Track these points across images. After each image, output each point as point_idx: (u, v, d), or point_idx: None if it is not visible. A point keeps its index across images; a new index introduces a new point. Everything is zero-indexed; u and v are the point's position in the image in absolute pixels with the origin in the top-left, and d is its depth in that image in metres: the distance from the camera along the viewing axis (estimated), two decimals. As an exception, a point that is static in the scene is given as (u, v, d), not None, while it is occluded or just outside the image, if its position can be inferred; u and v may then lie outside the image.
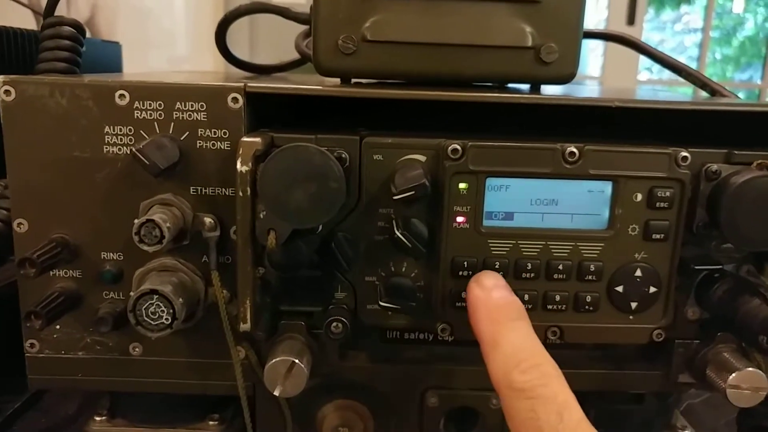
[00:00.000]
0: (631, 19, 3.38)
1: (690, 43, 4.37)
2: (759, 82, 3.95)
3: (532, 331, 0.45)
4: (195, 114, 0.51)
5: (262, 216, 0.47)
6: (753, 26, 4.35)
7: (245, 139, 0.48)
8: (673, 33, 4.40)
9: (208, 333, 0.55)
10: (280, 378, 0.51)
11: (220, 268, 0.52)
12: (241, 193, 0.47)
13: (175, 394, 0.59)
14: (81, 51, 0.66)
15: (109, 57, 1.09)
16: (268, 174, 0.46)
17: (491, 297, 0.46)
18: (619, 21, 3.33)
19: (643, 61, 3.45)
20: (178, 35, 2.62)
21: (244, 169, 0.46)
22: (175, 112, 0.51)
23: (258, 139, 0.48)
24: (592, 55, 3.62)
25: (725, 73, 4.49)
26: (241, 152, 0.47)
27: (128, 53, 1.17)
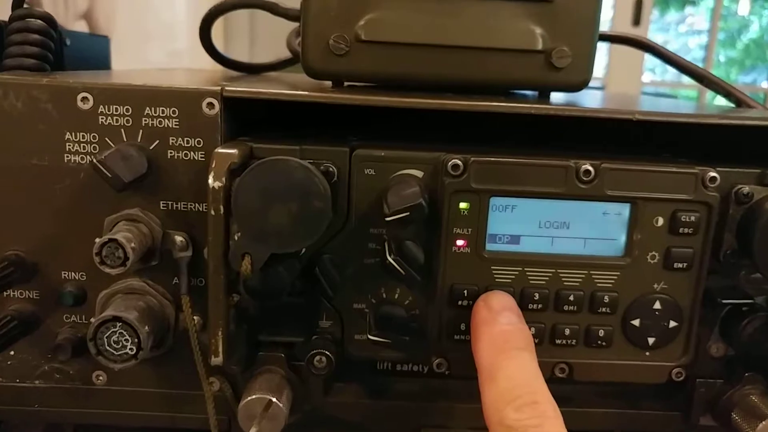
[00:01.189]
0: (636, 20, 3.33)
1: (694, 44, 4.32)
2: (763, 84, 3.89)
3: (535, 366, 0.41)
4: (166, 121, 0.46)
5: (236, 238, 0.42)
6: (758, 29, 4.30)
7: (219, 150, 0.42)
8: (677, 34, 4.35)
9: (179, 361, 0.50)
10: (255, 418, 0.45)
11: (193, 291, 0.47)
12: (213, 212, 0.41)
13: (143, 428, 0.53)
14: (52, 46, 0.60)
15: (97, 52, 1.03)
16: (243, 191, 0.40)
17: (498, 321, 0.43)
18: (624, 21, 3.28)
19: (647, 61, 3.39)
20: (178, 28, 2.55)
21: (217, 184, 0.41)
22: (144, 119, 0.46)
23: (234, 151, 0.42)
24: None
25: (729, 75, 4.43)
26: (214, 165, 0.41)
27: (126, 47, 1.12)
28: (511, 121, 0.48)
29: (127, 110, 0.45)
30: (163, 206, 0.47)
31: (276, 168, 0.40)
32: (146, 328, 0.45)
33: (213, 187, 0.41)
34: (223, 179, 0.41)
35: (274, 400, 0.45)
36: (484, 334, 0.42)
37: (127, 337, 0.44)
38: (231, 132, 0.47)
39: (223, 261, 0.42)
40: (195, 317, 0.47)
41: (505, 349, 0.41)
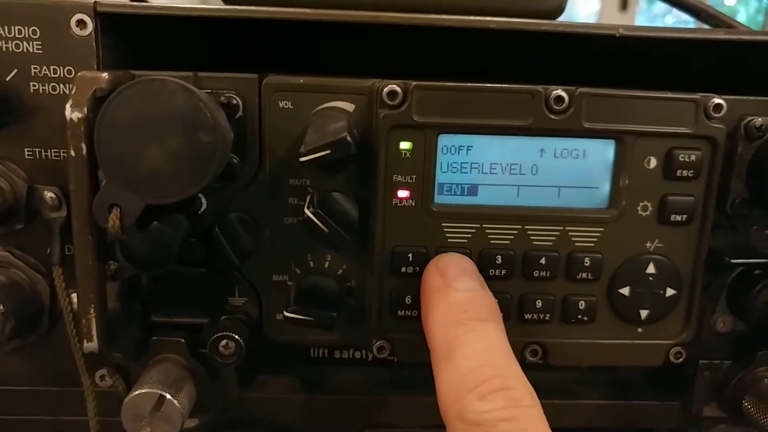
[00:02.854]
0: (623, 6, 3.28)
1: (682, 34, 4.28)
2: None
3: (504, 340, 0.33)
4: (25, 44, 0.37)
5: (102, 185, 0.32)
6: (744, 18, 4.26)
7: (83, 74, 0.32)
8: (665, 25, 4.30)
9: (59, 351, 0.40)
10: (144, 419, 0.36)
11: (68, 261, 0.37)
12: (73, 152, 0.32)
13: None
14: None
15: None
16: (108, 122, 0.31)
17: (453, 287, 0.35)
18: (612, 9, 3.22)
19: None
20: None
21: (77, 115, 0.32)
22: (-6, 41, 0.36)
23: (102, 75, 0.32)
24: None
25: (717, 65, 4.40)
26: (74, 91, 0.32)
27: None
28: (464, 51, 0.39)
29: (-29, 30, 0.36)
30: (28, 155, 0.38)
31: (149, 91, 0.31)
32: (1, 307, 0.36)
33: (71, 119, 0.32)
34: (85, 109, 0.32)
35: (167, 396, 0.36)
36: (437, 305, 0.34)
37: (-26, 319, 0.35)
38: (116, 65, 0.38)
39: (90, 217, 0.33)
40: (73, 293, 0.38)
41: (463, 320, 0.33)
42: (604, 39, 0.38)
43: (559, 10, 0.47)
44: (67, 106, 0.32)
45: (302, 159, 0.34)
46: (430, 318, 0.34)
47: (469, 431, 0.29)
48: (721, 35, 0.39)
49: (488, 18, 0.38)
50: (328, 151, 0.33)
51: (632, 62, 0.44)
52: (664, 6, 0.61)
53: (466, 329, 0.33)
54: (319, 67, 0.42)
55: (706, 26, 0.56)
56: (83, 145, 0.32)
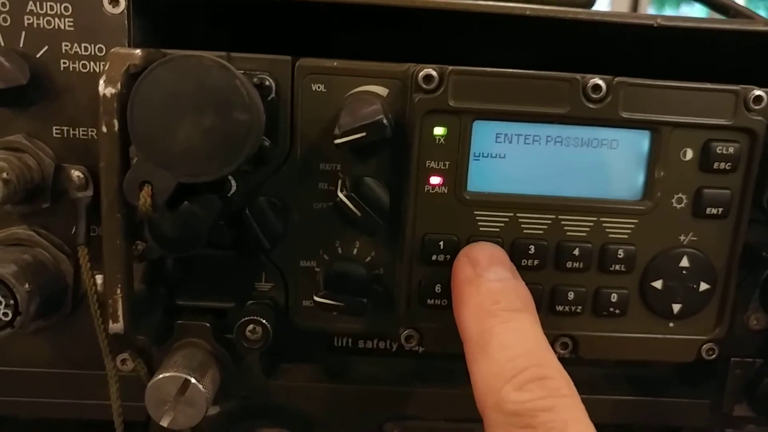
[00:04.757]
0: (634, 9, 3.28)
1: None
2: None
3: (539, 330, 0.33)
4: (56, 20, 0.36)
5: (134, 162, 0.31)
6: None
7: (116, 50, 0.32)
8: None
9: (81, 333, 0.40)
10: (168, 403, 0.35)
11: (96, 241, 0.37)
12: (105, 128, 0.31)
13: (40, 420, 0.43)
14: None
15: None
16: (142, 99, 0.30)
17: (485, 278, 0.34)
18: (622, 8, 3.22)
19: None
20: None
21: (110, 91, 0.31)
22: (26, 17, 0.36)
23: (136, 52, 0.32)
24: None
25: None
26: (107, 67, 0.31)
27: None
28: (504, 43, 0.38)
29: (3, 5, 0.35)
30: (56, 133, 0.38)
31: (184, 68, 0.30)
32: (27, 286, 0.35)
33: (104, 94, 0.31)
34: (119, 85, 0.31)
35: (192, 380, 0.35)
36: (470, 296, 0.34)
37: (0, 298, 0.34)
38: (146, 45, 0.37)
39: (119, 195, 0.32)
40: (97, 275, 0.37)
41: (496, 311, 0.33)
42: (638, 28, 0.38)
43: (591, 2, 0.46)
44: (101, 81, 0.32)
45: (337, 141, 0.33)
46: (463, 309, 0.34)
47: (507, 422, 0.29)
48: (761, 26, 0.38)
49: (524, 5, 0.37)
50: (364, 134, 0.33)
51: (641, 52, 0.43)
52: (672, 13, 0.61)
53: (499, 320, 0.32)
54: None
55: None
56: (115, 122, 0.32)
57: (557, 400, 0.28)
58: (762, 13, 0.50)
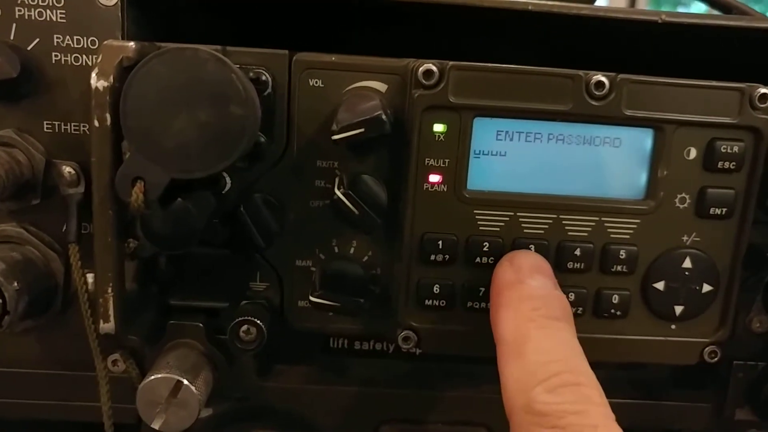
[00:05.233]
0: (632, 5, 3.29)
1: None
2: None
3: (575, 340, 0.32)
4: (48, 12, 0.35)
5: (127, 158, 0.31)
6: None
7: (109, 42, 0.31)
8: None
9: (71, 333, 0.39)
10: (160, 405, 0.34)
11: (87, 239, 0.36)
12: (96, 122, 0.31)
13: (27, 421, 0.42)
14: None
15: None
16: (135, 92, 0.29)
17: (527, 284, 0.34)
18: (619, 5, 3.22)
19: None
20: None
21: (102, 84, 0.30)
22: (17, 8, 0.35)
23: (129, 44, 0.31)
24: None
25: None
26: (100, 60, 0.30)
27: None
28: (505, 41, 0.37)
29: (-7, -4, 0.35)
30: (47, 127, 0.37)
31: (179, 61, 0.30)
32: (15, 284, 0.34)
33: (96, 87, 0.31)
34: (111, 78, 0.30)
35: (184, 381, 0.35)
36: (509, 300, 0.34)
37: (-12, 296, 0.33)
38: (140, 39, 0.36)
39: (111, 191, 0.31)
40: (88, 274, 0.36)
41: (535, 317, 0.32)
42: (643, 24, 0.37)
43: (593, -1, 0.46)
44: (93, 74, 0.31)
45: (335, 137, 0.32)
46: (501, 312, 0.33)
47: (534, 422, 0.28)
48: (765, 23, 0.38)
49: (527, 0, 0.37)
50: (362, 130, 0.32)
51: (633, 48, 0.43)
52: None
53: (537, 325, 0.32)
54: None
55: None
56: (108, 116, 0.31)
57: (588, 406, 0.28)
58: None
